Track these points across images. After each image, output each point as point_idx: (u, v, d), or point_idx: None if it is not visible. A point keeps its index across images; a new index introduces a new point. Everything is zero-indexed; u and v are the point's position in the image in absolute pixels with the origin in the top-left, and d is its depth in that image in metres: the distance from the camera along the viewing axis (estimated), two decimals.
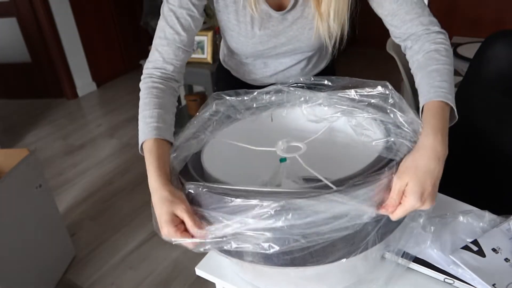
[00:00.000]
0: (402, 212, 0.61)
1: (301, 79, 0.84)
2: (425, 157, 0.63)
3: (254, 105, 0.83)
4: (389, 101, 0.73)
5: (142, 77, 0.83)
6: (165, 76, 0.82)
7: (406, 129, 0.68)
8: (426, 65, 0.75)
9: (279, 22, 0.91)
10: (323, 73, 1.13)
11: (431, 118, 0.67)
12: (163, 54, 0.82)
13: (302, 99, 0.83)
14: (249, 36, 0.93)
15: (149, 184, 0.69)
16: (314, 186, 0.58)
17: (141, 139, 0.73)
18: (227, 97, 0.82)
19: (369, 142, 0.72)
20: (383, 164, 0.63)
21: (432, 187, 0.62)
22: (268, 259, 0.61)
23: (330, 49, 0.94)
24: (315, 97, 0.81)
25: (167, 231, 0.63)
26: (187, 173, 0.69)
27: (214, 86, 1.44)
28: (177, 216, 0.64)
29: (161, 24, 0.84)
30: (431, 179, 0.62)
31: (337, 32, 0.88)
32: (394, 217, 0.62)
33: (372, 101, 0.75)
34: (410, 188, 0.60)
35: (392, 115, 0.72)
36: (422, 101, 0.71)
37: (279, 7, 0.91)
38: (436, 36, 0.79)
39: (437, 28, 0.80)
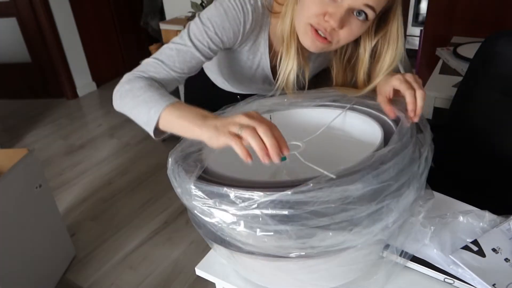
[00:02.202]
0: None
1: None
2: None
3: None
4: None
5: (132, 73, 0.80)
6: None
7: None
8: None
9: None
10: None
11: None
12: (156, 77, 0.80)
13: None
14: (251, 78, 0.95)
15: (196, 122, 0.65)
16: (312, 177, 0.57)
17: (159, 110, 0.69)
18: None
19: (369, 139, 0.72)
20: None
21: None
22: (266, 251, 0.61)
23: None
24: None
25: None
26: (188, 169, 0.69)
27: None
28: None
29: (167, 53, 0.81)
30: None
31: None
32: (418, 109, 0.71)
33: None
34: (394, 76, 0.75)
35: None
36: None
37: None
38: None
39: None
